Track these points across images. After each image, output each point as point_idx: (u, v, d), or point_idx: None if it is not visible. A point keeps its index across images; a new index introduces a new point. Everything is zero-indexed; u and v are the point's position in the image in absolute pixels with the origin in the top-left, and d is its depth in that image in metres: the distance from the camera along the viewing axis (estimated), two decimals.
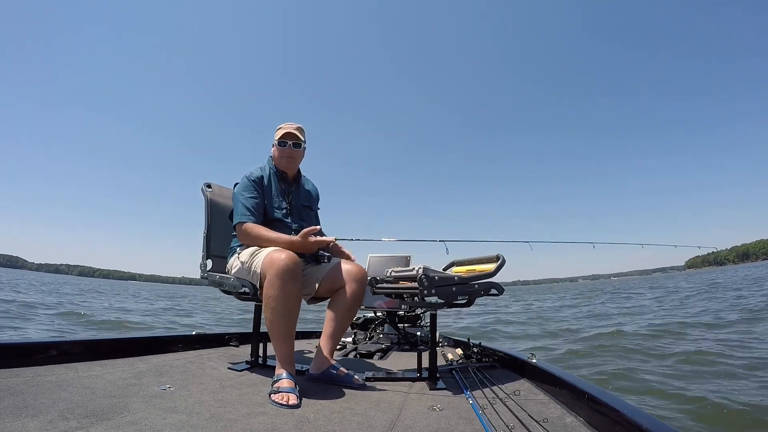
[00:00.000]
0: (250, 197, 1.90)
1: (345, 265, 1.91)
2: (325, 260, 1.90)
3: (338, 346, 2.66)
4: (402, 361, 2.41)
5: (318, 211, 2.23)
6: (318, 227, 1.87)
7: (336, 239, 1.96)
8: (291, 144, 2.00)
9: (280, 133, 2.00)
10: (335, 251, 2.03)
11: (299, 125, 2.05)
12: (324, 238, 1.90)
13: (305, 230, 1.81)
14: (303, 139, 2.04)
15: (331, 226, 2.29)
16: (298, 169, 2.11)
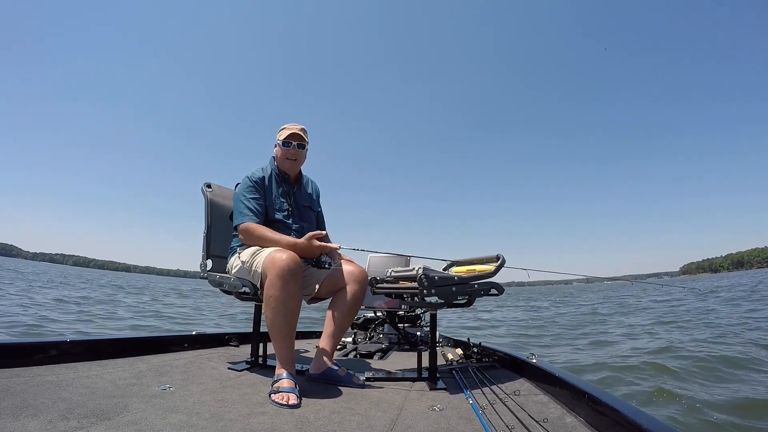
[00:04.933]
0: (252, 198, 1.89)
1: (346, 266, 1.91)
2: (326, 266, 1.84)
3: (338, 346, 2.66)
4: (402, 361, 2.41)
5: (320, 211, 2.21)
6: (324, 232, 1.84)
7: (340, 247, 1.90)
8: (296, 145, 1.98)
9: (284, 133, 1.98)
10: (338, 259, 1.99)
11: (303, 126, 2.03)
12: (329, 244, 1.85)
13: (310, 234, 1.78)
14: (307, 140, 2.03)
15: (331, 227, 2.27)
16: (300, 170, 2.11)
